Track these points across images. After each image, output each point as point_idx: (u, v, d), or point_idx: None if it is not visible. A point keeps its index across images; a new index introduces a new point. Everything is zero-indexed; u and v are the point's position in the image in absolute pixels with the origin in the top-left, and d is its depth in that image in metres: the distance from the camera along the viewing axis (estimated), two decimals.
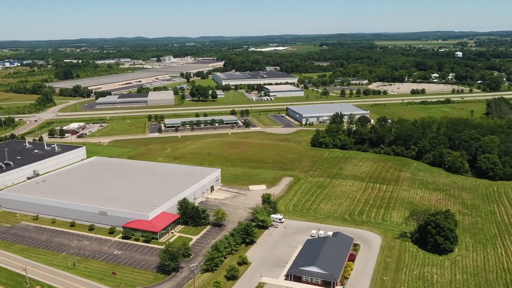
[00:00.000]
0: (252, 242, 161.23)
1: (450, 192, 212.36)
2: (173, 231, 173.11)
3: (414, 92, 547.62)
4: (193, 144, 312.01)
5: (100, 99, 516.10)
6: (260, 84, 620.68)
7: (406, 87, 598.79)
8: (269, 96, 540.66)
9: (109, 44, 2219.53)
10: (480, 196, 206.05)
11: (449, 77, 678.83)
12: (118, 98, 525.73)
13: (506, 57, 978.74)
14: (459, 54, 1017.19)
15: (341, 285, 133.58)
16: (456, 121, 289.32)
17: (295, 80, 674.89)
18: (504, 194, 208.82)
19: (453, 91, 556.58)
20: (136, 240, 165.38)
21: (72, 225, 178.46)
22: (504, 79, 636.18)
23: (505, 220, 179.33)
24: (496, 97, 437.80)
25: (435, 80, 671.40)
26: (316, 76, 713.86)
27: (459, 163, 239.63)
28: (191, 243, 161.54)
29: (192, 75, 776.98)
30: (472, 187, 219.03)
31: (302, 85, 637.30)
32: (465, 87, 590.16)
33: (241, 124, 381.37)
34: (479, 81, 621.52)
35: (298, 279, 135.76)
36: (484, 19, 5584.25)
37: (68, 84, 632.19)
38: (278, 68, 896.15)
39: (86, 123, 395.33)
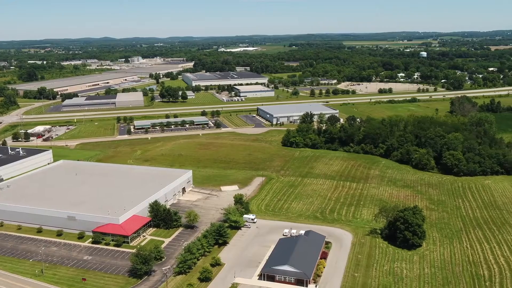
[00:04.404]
0: (225, 243, 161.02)
1: (418, 188, 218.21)
2: (144, 234, 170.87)
3: (381, 91, 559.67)
4: (164, 145, 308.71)
5: (67, 101, 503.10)
6: (230, 85, 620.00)
7: (373, 86, 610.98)
8: (239, 96, 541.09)
9: (75, 45, 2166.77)
10: (446, 192, 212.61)
11: (415, 76, 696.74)
12: (85, 100, 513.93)
13: (467, 57, 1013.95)
14: (424, 54, 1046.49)
15: (314, 283, 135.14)
16: (422, 119, 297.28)
17: (265, 81, 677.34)
18: (468, 189, 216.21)
19: (418, 90, 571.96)
20: (107, 244, 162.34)
21: (39, 231, 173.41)
22: (467, 78, 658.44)
23: (469, 215, 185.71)
24: (459, 95, 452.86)
25: (402, 79, 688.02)
26: (286, 76, 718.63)
27: (425, 160, 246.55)
28: (163, 246, 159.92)
29: (161, 76, 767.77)
30: (438, 183, 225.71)
31: (272, 85, 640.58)
32: (430, 86, 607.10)
33: (212, 125, 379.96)
34: (443, 80, 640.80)
35: (271, 278, 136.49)
36: (446, 20, 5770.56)
37: (33, 86, 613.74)
38: (248, 68, 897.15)
39: (52, 126, 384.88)
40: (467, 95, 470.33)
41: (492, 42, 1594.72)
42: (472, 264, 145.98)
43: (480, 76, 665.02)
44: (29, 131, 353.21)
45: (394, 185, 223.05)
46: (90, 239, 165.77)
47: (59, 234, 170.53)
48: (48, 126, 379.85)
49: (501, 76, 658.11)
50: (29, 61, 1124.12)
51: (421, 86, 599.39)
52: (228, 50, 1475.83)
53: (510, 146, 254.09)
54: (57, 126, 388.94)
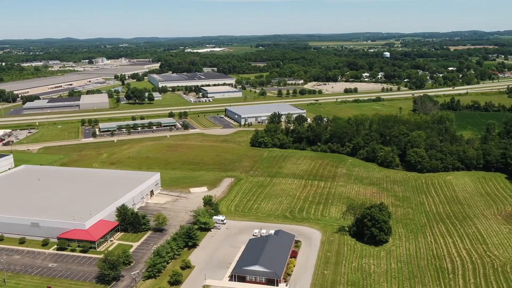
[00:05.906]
0: (194, 245, 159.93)
1: (383, 185, 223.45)
2: (112, 239, 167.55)
3: (347, 91, 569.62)
4: (131, 148, 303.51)
5: (28, 104, 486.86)
6: (197, 86, 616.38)
7: (339, 86, 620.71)
8: (207, 97, 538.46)
9: (35, 46, 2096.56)
10: (410, 188, 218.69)
11: (379, 76, 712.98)
12: (47, 102, 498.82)
13: (428, 57, 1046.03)
14: (387, 54, 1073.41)
15: (285, 282, 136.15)
16: (386, 118, 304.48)
17: (232, 81, 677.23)
18: (431, 185, 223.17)
19: (382, 90, 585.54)
20: (73, 250, 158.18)
21: (0, 239, 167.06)
22: (428, 78, 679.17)
23: (433, 210, 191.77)
24: (421, 94, 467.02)
25: (366, 79, 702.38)
26: (253, 77, 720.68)
27: (390, 157, 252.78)
28: (131, 250, 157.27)
29: (127, 77, 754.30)
30: (403, 180, 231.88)
31: (240, 86, 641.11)
32: (393, 85, 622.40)
33: (180, 126, 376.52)
34: (406, 80, 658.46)
35: (242, 279, 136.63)
36: (408, 21, 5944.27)
37: None
38: (215, 69, 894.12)
39: (12, 130, 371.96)
40: (429, 94, 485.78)
41: (451, 43, 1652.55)
42: (436, 258, 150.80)
43: (441, 75, 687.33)
44: None
45: (361, 182, 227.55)
46: (55, 246, 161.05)
47: (22, 241, 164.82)
48: (8, 130, 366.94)
49: (460, 76, 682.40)
50: None
51: (385, 86, 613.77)
52: (195, 50, 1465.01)
53: (470, 143, 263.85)
54: (18, 130, 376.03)
